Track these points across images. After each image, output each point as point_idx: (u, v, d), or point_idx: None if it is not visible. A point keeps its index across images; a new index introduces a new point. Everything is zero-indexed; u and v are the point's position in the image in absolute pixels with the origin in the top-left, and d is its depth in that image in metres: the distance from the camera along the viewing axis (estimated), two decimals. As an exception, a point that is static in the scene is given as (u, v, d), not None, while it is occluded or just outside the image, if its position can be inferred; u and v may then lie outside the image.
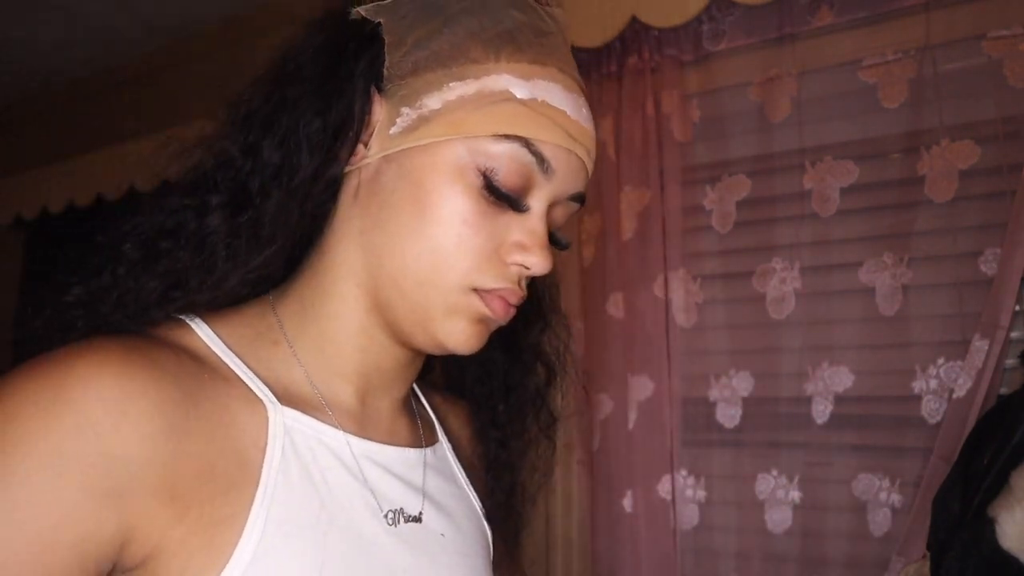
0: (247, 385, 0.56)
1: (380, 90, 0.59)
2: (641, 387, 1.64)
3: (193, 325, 0.57)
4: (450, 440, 0.74)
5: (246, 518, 0.51)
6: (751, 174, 1.59)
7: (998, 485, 1.08)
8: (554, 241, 0.62)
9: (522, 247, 0.58)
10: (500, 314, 0.59)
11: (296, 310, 0.61)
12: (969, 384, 1.33)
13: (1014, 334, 1.35)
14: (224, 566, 0.49)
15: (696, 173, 1.65)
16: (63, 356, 0.49)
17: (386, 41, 0.58)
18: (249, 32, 2.18)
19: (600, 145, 1.72)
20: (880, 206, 1.47)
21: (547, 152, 0.57)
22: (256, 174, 0.56)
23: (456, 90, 0.57)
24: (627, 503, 1.64)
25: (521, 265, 0.58)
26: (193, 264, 0.55)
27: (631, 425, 1.64)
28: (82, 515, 0.46)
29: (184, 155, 0.58)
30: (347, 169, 0.60)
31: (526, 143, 0.57)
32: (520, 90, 0.57)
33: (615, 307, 1.68)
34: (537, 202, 0.59)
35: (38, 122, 2.94)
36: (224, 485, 0.51)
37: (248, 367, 0.57)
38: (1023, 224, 1.28)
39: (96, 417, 0.47)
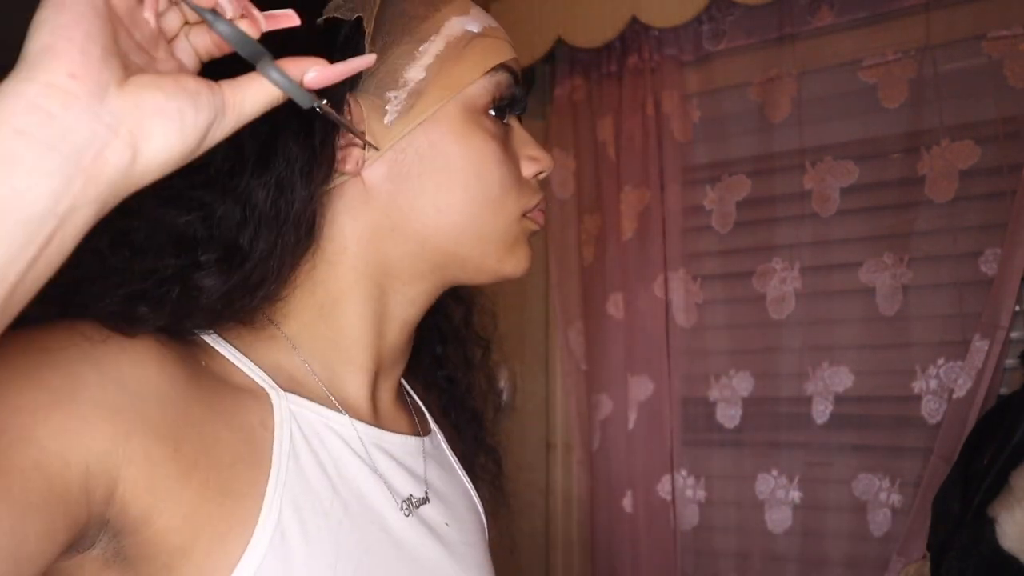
0: (246, 373, 0.55)
1: (351, 89, 0.57)
2: (641, 387, 1.64)
3: (208, 339, 0.56)
4: (442, 429, 0.74)
5: (262, 499, 0.50)
6: (751, 174, 1.59)
7: (998, 485, 1.08)
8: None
9: (533, 158, 0.63)
10: (542, 222, 0.64)
11: (298, 316, 0.59)
12: (969, 384, 1.33)
13: (1014, 334, 1.35)
14: (247, 544, 0.48)
15: (696, 173, 1.65)
16: (65, 320, 0.48)
17: (365, 35, 0.56)
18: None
19: (600, 145, 1.72)
20: (880, 206, 1.47)
21: (516, 68, 0.62)
22: (247, 223, 0.52)
23: (428, 52, 0.57)
24: (627, 503, 1.64)
25: (538, 173, 0.63)
26: (186, 309, 0.53)
27: (631, 425, 1.64)
28: (78, 413, 0.44)
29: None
30: (343, 180, 0.57)
31: (505, 67, 0.60)
32: (471, 24, 0.60)
33: (615, 307, 1.68)
34: (514, 120, 0.64)
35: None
36: (231, 457, 0.50)
37: (247, 356, 0.56)
38: (1023, 224, 1.28)
39: (101, 351, 0.46)
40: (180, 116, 0.36)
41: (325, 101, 0.44)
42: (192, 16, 0.42)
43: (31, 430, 0.42)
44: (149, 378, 0.48)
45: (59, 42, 0.33)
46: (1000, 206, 1.33)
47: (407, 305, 0.62)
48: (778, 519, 1.53)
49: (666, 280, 1.63)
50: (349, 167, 0.57)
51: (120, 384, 0.46)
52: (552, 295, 1.79)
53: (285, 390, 0.55)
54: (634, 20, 1.60)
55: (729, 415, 1.59)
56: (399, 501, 0.59)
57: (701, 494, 1.62)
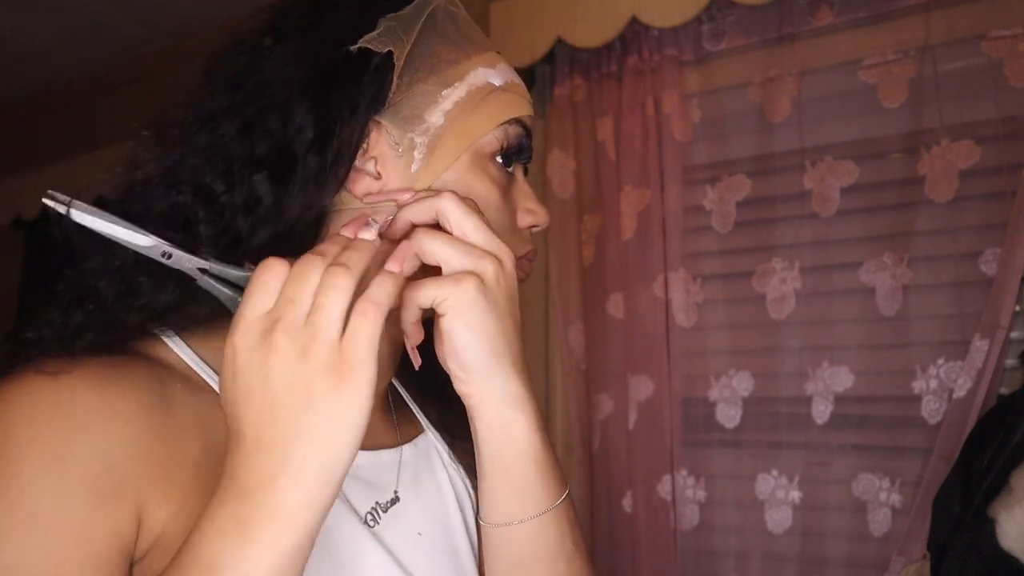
0: (201, 376, 0.56)
1: (375, 113, 0.58)
2: (641, 387, 1.64)
3: (166, 339, 0.57)
4: (437, 427, 0.73)
5: None
6: (751, 174, 1.59)
7: (998, 485, 1.08)
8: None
9: (530, 211, 0.64)
10: (526, 273, 0.65)
11: None
12: (969, 384, 1.33)
13: (1014, 334, 1.35)
14: None
15: (696, 173, 1.65)
16: (34, 373, 0.49)
17: (394, 64, 0.58)
18: (249, 32, 2.18)
19: (600, 145, 1.72)
20: (880, 206, 1.47)
21: (529, 123, 0.64)
22: (246, 214, 0.54)
23: (450, 97, 0.59)
24: (627, 503, 1.64)
25: (533, 225, 0.65)
26: (175, 302, 0.55)
27: (631, 425, 1.64)
28: (101, 515, 0.47)
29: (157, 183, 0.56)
30: (354, 205, 0.58)
31: (518, 121, 0.62)
32: (495, 78, 0.61)
33: (615, 307, 1.68)
34: (518, 171, 0.65)
35: (39, 122, 2.94)
36: (212, 482, 0.51)
37: (204, 358, 0.57)
38: (1023, 224, 1.28)
39: (85, 418, 0.48)
40: None
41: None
42: None
43: (71, 536, 0.46)
44: (140, 436, 0.50)
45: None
46: (1000, 206, 1.33)
47: (391, 324, 0.62)
48: (778, 519, 1.53)
49: (666, 280, 1.63)
50: (359, 191, 0.58)
51: (121, 457, 0.49)
52: (552, 295, 1.79)
53: None
54: (634, 20, 1.60)
55: (729, 415, 1.59)
56: (362, 516, 0.59)
57: (701, 494, 1.62)
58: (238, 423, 0.44)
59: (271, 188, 0.54)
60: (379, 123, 0.58)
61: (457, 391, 0.56)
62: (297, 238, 0.55)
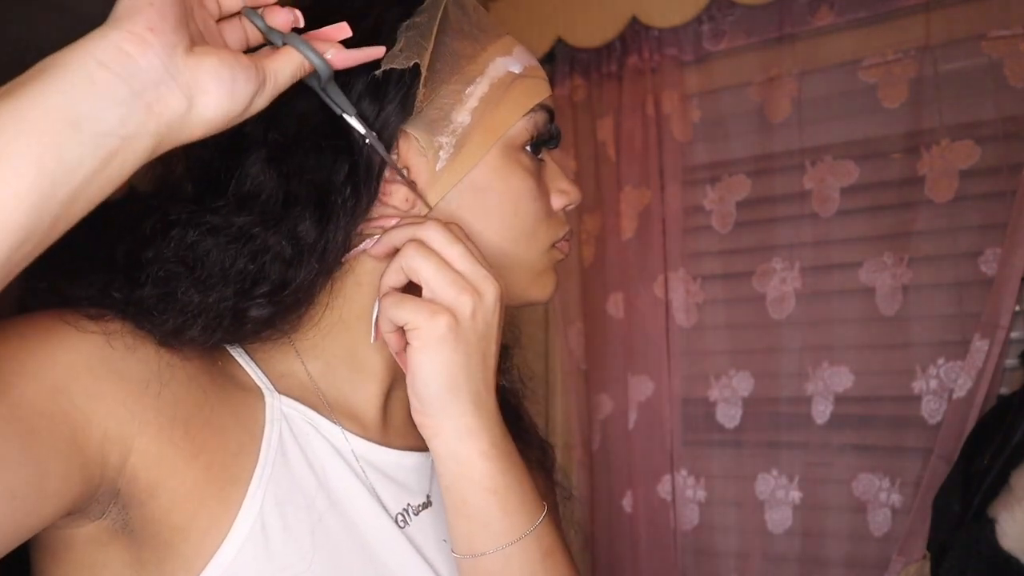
0: (248, 374, 0.57)
1: (402, 123, 0.57)
2: (641, 387, 1.64)
3: (233, 352, 0.59)
4: None
5: (246, 489, 0.52)
6: (751, 174, 1.59)
7: (998, 485, 1.08)
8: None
9: (562, 191, 0.64)
10: (567, 251, 0.66)
11: (316, 328, 0.59)
12: (969, 384, 1.33)
13: (1014, 334, 1.35)
14: (230, 527, 0.51)
15: (696, 173, 1.65)
16: (61, 321, 0.49)
17: (419, 73, 0.56)
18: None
19: (600, 145, 1.72)
20: (880, 206, 1.47)
21: (551, 105, 0.63)
22: (295, 258, 0.54)
23: (474, 95, 0.58)
24: (627, 503, 1.64)
25: (566, 205, 0.65)
26: (232, 334, 0.55)
27: (631, 425, 1.64)
28: (91, 388, 0.46)
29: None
30: (386, 212, 0.58)
31: (543, 106, 0.62)
32: (514, 65, 0.61)
33: (615, 307, 1.68)
34: (548, 157, 0.65)
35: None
36: (236, 446, 0.53)
37: (249, 356, 0.58)
38: (1023, 224, 1.28)
39: (114, 339, 0.49)
40: (232, 81, 0.43)
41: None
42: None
43: (65, 383, 0.45)
44: (171, 363, 0.51)
45: (143, 5, 0.40)
46: (1000, 206, 1.33)
47: None
48: (778, 519, 1.53)
49: (666, 280, 1.63)
50: (396, 202, 0.57)
51: (144, 363, 0.49)
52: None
53: (282, 393, 0.57)
54: (634, 20, 1.60)
55: (729, 415, 1.59)
56: (393, 514, 0.60)
57: (701, 494, 1.62)
58: None
59: (307, 221, 0.54)
60: (407, 133, 0.57)
61: (414, 419, 0.56)
62: (339, 258, 0.56)
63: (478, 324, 0.54)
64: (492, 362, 0.56)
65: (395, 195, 0.57)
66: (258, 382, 0.57)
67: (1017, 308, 1.32)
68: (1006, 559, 1.02)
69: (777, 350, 1.55)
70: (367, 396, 0.62)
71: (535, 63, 0.63)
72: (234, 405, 0.54)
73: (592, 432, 1.71)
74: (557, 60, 1.77)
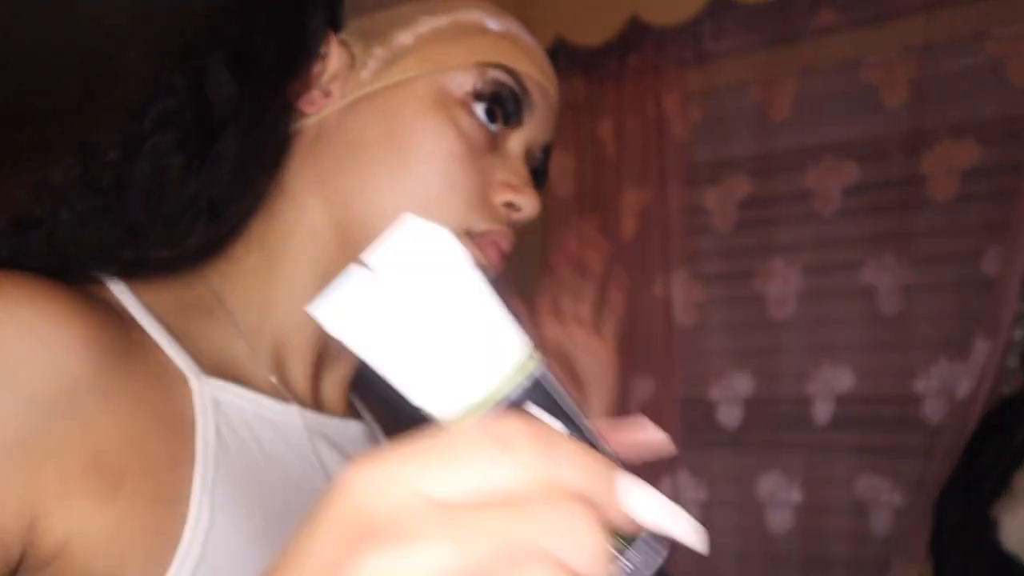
0: (167, 354, 0.47)
1: (336, 30, 0.52)
2: (642, 387, 1.64)
3: (111, 285, 0.48)
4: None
5: (188, 504, 0.43)
6: (752, 174, 1.59)
7: (1000, 486, 1.07)
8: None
9: (511, 186, 0.53)
10: (494, 261, 0.53)
11: (236, 278, 0.53)
12: (971, 385, 1.32)
13: (1015, 334, 1.35)
14: (172, 558, 0.41)
15: (696, 173, 1.65)
16: None
17: None
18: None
19: (600, 145, 1.71)
20: (881, 206, 1.47)
21: (528, 84, 0.54)
22: (215, 109, 0.48)
23: (428, 23, 0.53)
24: (627, 504, 1.64)
25: (511, 205, 0.53)
26: (149, 215, 0.47)
27: (631, 426, 1.64)
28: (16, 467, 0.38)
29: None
30: (305, 120, 0.52)
31: (509, 71, 0.53)
32: (493, 23, 0.54)
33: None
34: (516, 144, 0.55)
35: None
36: (165, 460, 0.43)
37: (171, 335, 0.48)
38: (1025, 224, 1.28)
39: (11, 347, 0.39)
40: None
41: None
42: None
43: None
44: (76, 387, 0.40)
45: None
46: (1002, 206, 1.33)
47: None
48: (779, 520, 1.53)
49: (666, 280, 1.63)
50: (308, 108, 0.52)
51: (30, 398, 0.39)
52: (552, 295, 1.78)
53: (211, 374, 0.48)
54: (635, 19, 1.60)
55: (730, 415, 1.59)
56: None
57: (702, 495, 1.62)
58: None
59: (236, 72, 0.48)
60: (343, 41, 0.52)
61: None
62: (270, 149, 0.50)
63: None
64: None
65: (312, 104, 0.52)
66: (180, 364, 0.46)
67: (1019, 309, 1.32)
68: (1008, 560, 1.02)
69: (778, 350, 1.55)
70: (300, 369, 0.54)
71: (531, 42, 0.56)
72: (157, 401, 0.44)
73: (592, 432, 1.71)
74: (557, 60, 1.77)
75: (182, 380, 0.46)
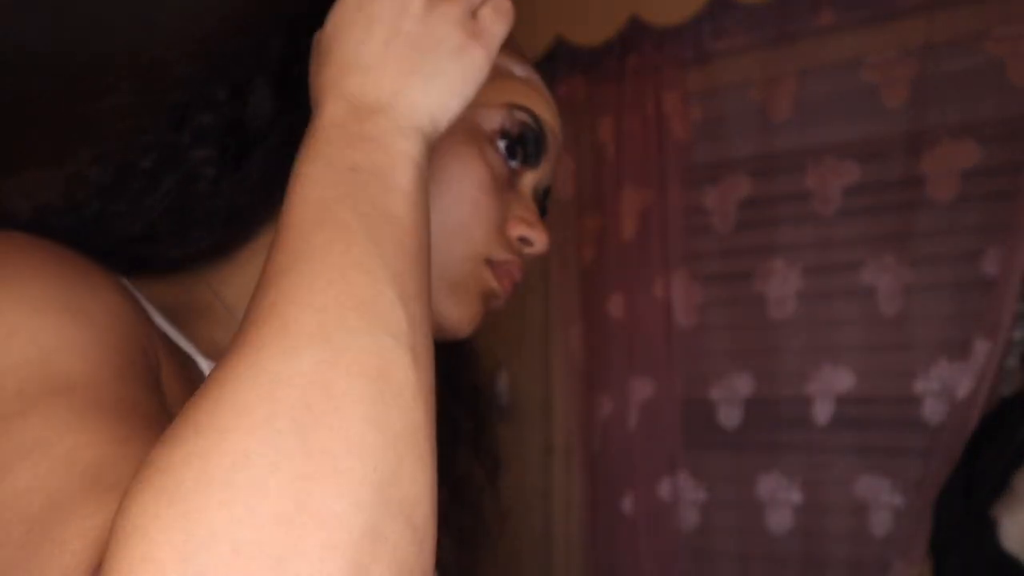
0: (174, 342, 0.48)
1: None
2: (641, 388, 1.64)
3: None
4: None
5: None
6: (752, 174, 1.59)
7: (1000, 487, 1.07)
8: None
9: (526, 222, 0.56)
10: (507, 290, 0.57)
11: (237, 279, 0.53)
12: (971, 385, 1.32)
13: (1015, 335, 1.35)
14: None
15: (696, 173, 1.65)
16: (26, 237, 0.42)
17: None
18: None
19: (600, 145, 1.71)
20: (881, 206, 1.47)
21: (546, 128, 0.58)
22: (251, 127, 0.49)
23: None
24: (627, 505, 1.64)
25: (525, 240, 0.57)
26: (169, 220, 0.48)
27: (631, 426, 1.64)
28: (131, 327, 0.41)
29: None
30: None
31: (533, 115, 0.57)
32: (520, 70, 0.58)
33: (615, 307, 1.68)
34: (528, 183, 0.58)
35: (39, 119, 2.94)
36: None
37: (179, 329, 0.50)
38: (1025, 224, 1.28)
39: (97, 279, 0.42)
40: None
41: None
42: None
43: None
44: (137, 331, 0.43)
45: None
46: (1002, 206, 1.33)
47: None
48: (779, 520, 1.53)
49: (666, 280, 1.63)
50: None
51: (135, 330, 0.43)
52: (551, 295, 1.78)
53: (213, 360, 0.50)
54: (635, 19, 1.60)
55: (730, 416, 1.59)
56: None
57: (702, 495, 1.62)
58: (351, 55, 0.41)
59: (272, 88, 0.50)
60: None
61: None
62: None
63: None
64: None
65: None
66: (187, 348, 0.49)
67: (1019, 309, 1.32)
68: (1008, 561, 1.02)
69: (778, 351, 1.55)
70: None
71: (544, 86, 0.59)
72: (181, 380, 0.46)
73: (592, 433, 1.71)
74: (557, 60, 1.77)
75: (192, 362, 0.49)
